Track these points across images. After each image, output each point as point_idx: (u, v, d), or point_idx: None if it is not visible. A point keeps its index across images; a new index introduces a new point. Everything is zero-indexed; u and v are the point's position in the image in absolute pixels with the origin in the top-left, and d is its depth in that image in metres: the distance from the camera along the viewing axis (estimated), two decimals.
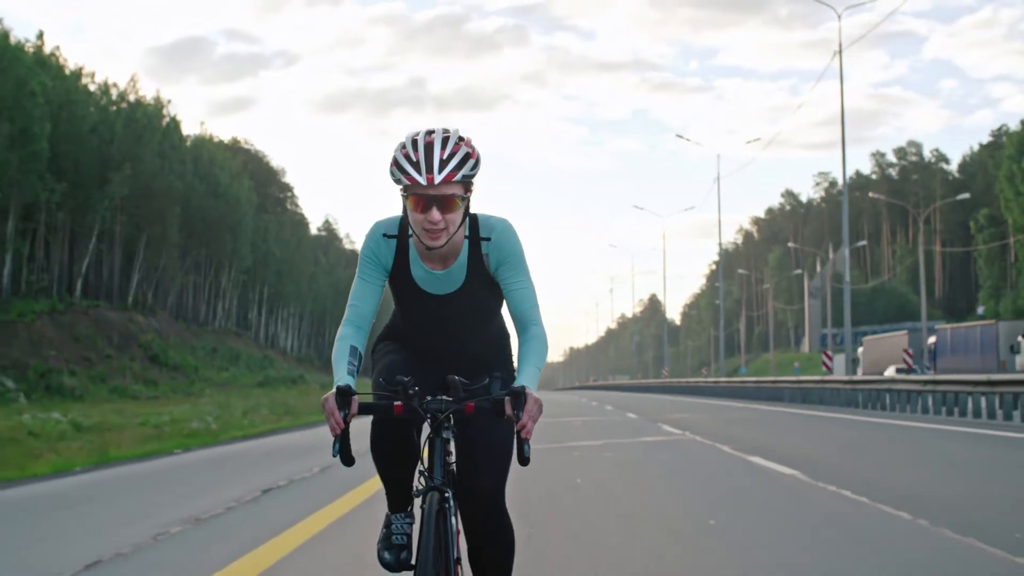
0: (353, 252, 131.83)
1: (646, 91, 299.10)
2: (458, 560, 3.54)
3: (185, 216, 70.14)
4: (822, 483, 9.51)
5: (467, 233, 3.56)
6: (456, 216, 3.41)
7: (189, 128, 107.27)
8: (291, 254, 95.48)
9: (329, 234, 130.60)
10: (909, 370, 35.11)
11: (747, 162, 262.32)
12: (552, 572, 5.60)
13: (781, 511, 8.02)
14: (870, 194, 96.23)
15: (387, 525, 3.83)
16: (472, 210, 3.56)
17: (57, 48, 61.77)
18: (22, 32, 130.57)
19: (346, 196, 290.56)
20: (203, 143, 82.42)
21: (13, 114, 49.06)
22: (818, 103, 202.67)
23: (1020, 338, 41.04)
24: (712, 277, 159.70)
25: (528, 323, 3.51)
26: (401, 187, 3.41)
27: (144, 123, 66.94)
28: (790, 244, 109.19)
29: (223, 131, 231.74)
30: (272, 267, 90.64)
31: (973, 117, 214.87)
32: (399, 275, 3.63)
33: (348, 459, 3.36)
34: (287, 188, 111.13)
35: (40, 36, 60.53)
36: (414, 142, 3.37)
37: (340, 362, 3.43)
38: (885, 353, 53.42)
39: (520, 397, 3.23)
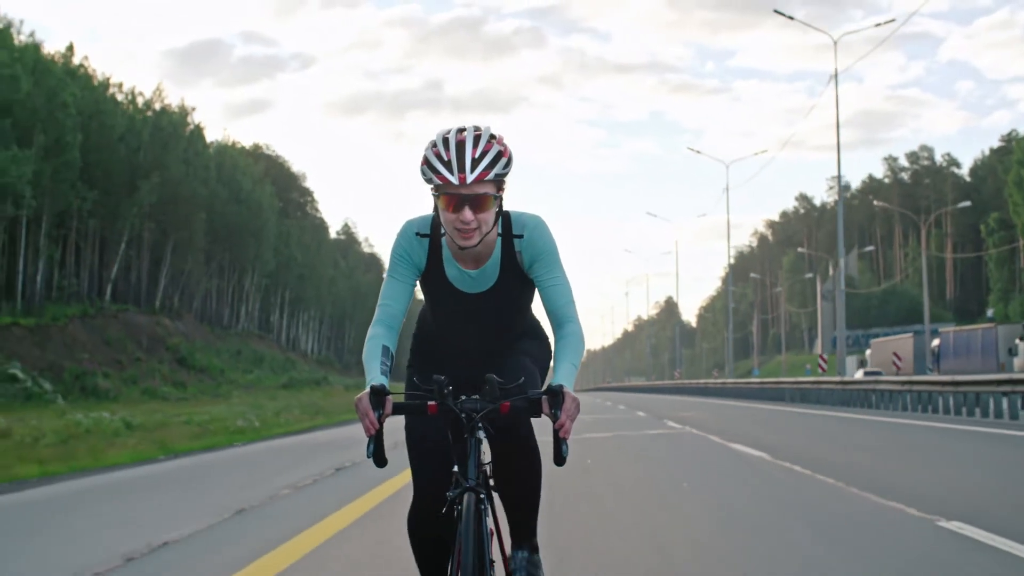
0: (372, 256, 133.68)
1: (663, 93, 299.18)
2: (492, 562, 3.51)
3: (209, 221, 72.08)
4: (779, 460, 11.88)
5: (500, 231, 3.56)
6: (489, 215, 3.40)
7: (210, 133, 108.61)
8: (312, 258, 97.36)
9: (348, 238, 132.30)
10: (898, 372, 36.72)
11: (764, 164, 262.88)
12: (565, 526, 7.21)
13: (740, 479, 10.46)
14: (875, 202, 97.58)
15: None
16: (504, 207, 3.57)
17: (85, 58, 63.76)
18: (39, 35, 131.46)
19: (362, 198, 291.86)
20: (226, 149, 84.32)
21: (47, 125, 50.99)
22: (833, 106, 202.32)
23: (1018, 341, 42.52)
24: (728, 280, 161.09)
25: (564, 320, 3.50)
26: (432, 186, 3.40)
27: (170, 131, 68.92)
28: (800, 249, 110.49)
29: (240, 133, 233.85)
30: (294, 271, 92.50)
31: (990, 119, 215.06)
32: (432, 275, 3.62)
33: (381, 460, 3.33)
34: (307, 192, 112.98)
35: (70, 48, 62.62)
36: (445, 140, 3.36)
37: (372, 362, 3.40)
38: (891, 355, 54.80)
39: (558, 396, 3.21)
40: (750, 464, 11.90)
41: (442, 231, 3.52)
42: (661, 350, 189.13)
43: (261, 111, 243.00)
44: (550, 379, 3.42)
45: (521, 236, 3.54)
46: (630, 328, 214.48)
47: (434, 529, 3.56)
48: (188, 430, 21.04)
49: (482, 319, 3.67)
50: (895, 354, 37.87)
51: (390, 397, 3.29)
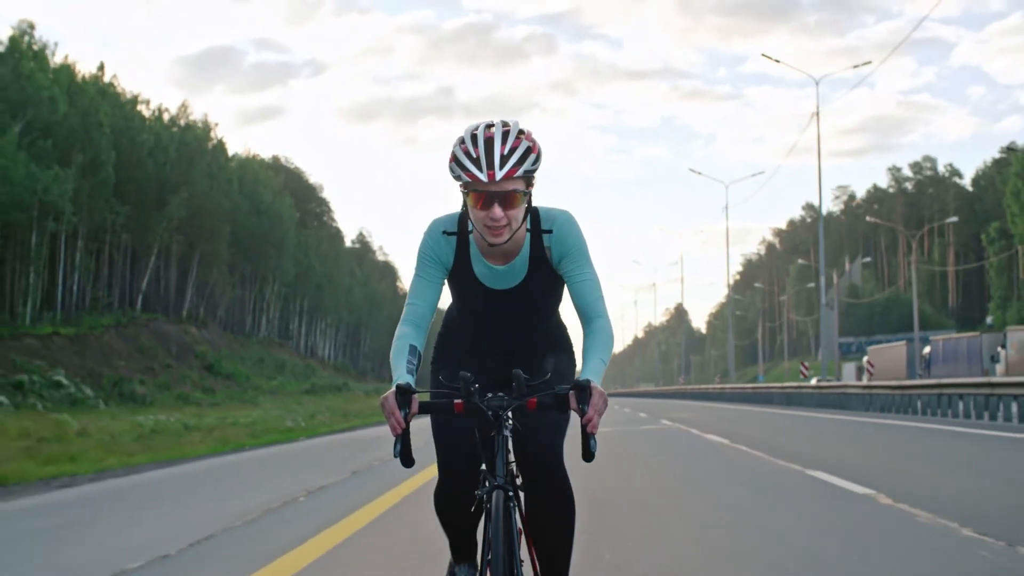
0: (386, 264, 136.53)
1: (675, 99, 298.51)
2: (522, 561, 3.49)
3: (232, 233, 75.01)
4: (737, 445, 15.34)
5: (528, 227, 3.53)
6: (518, 212, 3.39)
7: (226, 141, 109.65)
8: (329, 267, 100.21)
9: (363, 246, 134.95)
10: (871, 378, 39.51)
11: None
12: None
13: (699, 454, 14.27)
14: (867, 218, 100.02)
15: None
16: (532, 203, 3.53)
17: (115, 76, 66.80)
18: (52, 42, 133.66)
19: (374, 203, 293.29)
20: (247, 163, 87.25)
21: (84, 145, 53.97)
22: (845, 111, 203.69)
23: (999, 348, 45.17)
24: (736, 287, 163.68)
25: (593, 316, 3.48)
26: (461, 184, 3.38)
27: (194, 146, 71.96)
28: (799, 262, 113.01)
29: (252, 140, 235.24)
30: (312, 280, 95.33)
31: (1001, 124, 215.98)
32: (460, 273, 3.60)
33: (408, 460, 3.31)
34: (324, 203, 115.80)
35: (101, 67, 65.62)
36: (473, 137, 3.34)
37: (399, 360, 3.38)
38: (887, 361, 57.35)
39: (585, 391, 3.20)
40: (711, 446, 15.95)
41: (469, 228, 3.53)
42: (672, 356, 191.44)
43: (273, 118, 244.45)
44: (578, 374, 3.43)
45: (550, 231, 3.54)
46: (640, 335, 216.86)
47: (462, 520, 3.67)
48: (241, 430, 23.85)
49: (510, 315, 3.67)
50: (868, 362, 40.65)
51: (416, 396, 3.29)
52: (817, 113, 37.53)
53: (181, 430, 23.35)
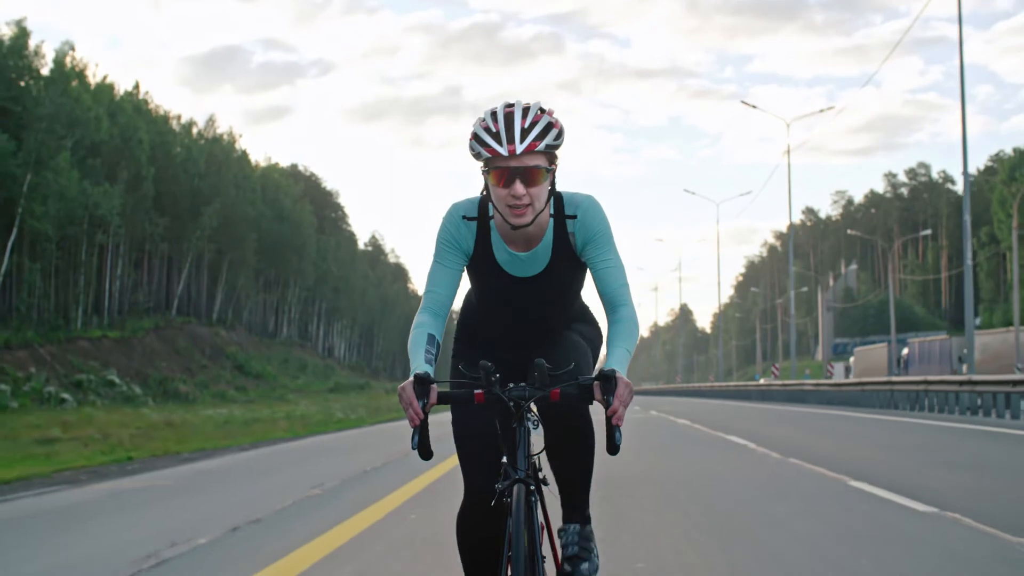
0: (398, 266, 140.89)
1: (682, 98, 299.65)
2: (544, 558, 3.41)
3: (257, 240, 79.47)
4: (694, 424, 20.27)
5: (552, 212, 3.44)
6: (541, 190, 3.29)
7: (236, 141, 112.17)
8: (345, 271, 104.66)
9: (375, 249, 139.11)
10: (831, 377, 44.27)
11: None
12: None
13: (664, 431, 18.70)
14: (848, 231, 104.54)
15: None
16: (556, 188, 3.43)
17: (148, 93, 71.39)
18: (60, 41, 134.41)
19: (382, 202, 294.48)
20: (269, 171, 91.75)
21: (128, 162, 58.57)
22: (854, 109, 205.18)
23: (964, 351, 49.54)
24: (739, 287, 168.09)
25: (618, 304, 3.40)
26: (482, 162, 3.32)
27: (222, 158, 76.43)
28: (792, 268, 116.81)
29: (259, 140, 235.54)
30: (330, 284, 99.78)
31: (1008, 123, 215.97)
32: (481, 259, 3.51)
33: (427, 452, 3.23)
34: (339, 208, 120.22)
35: (136, 86, 70.18)
36: (493, 114, 3.29)
37: (417, 350, 3.29)
38: (871, 362, 61.72)
39: (611, 381, 3.13)
40: (676, 426, 21.60)
41: (490, 213, 3.44)
42: (676, 356, 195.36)
43: (280, 117, 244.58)
44: (602, 364, 3.31)
45: (574, 216, 3.44)
46: (646, 334, 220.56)
47: (486, 529, 3.50)
48: (301, 422, 28.21)
49: (533, 303, 3.57)
50: (830, 364, 45.48)
51: (435, 386, 3.19)
52: (788, 151, 41.93)
53: (251, 421, 27.69)
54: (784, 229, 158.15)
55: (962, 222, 24.60)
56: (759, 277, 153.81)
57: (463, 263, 3.52)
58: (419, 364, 3.24)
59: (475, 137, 3.29)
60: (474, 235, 3.49)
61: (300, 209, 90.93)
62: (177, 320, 67.09)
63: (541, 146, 3.25)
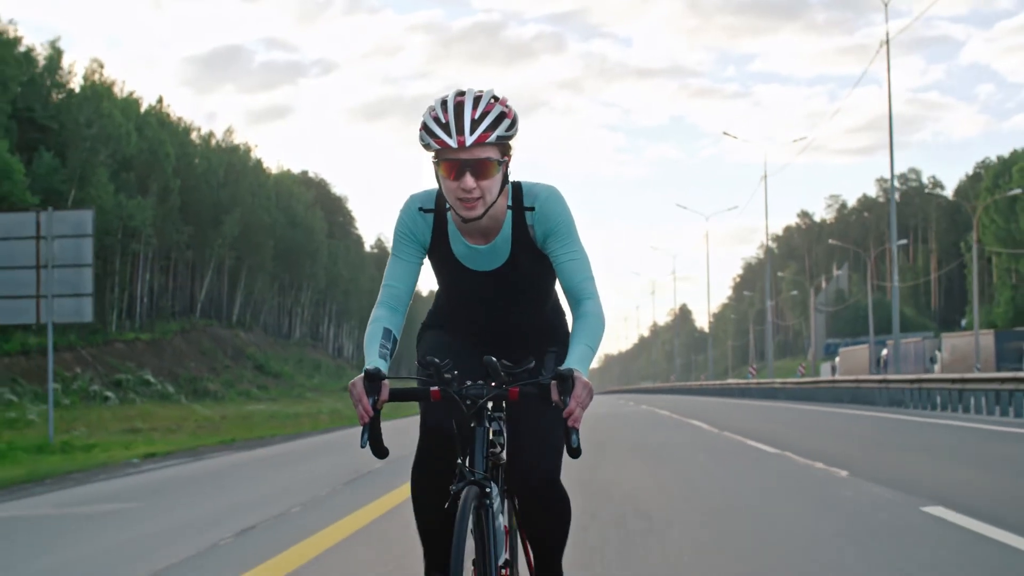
0: None
1: (684, 98, 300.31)
2: (507, 564, 3.35)
3: (272, 246, 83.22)
4: (674, 415, 24.02)
5: (510, 203, 3.34)
6: (492, 183, 3.19)
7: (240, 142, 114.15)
8: (355, 273, 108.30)
9: (381, 251, 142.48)
10: (802, 376, 48.54)
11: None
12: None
13: (649, 421, 22.43)
14: (830, 240, 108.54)
15: None
16: (515, 179, 3.36)
17: (169, 106, 75.25)
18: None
19: (383, 202, 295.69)
20: (282, 178, 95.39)
21: (157, 175, 62.43)
22: (856, 108, 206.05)
23: (936, 351, 53.55)
24: (737, 288, 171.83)
25: (581, 298, 3.28)
26: (432, 153, 3.20)
27: (239, 168, 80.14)
28: (781, 274, 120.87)
29: (261, 139, 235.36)
30: (340, 287, 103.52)
31: (1010, 122, 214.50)
32: (438, 252, 3.44)
33: (380, 450, 3.13)
34: (347, 213, 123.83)
35: (160, 100, 74.06)
36: (443, 103, 3.18)
37: (372, 344, 3.21)
38: (855, 362, 65.55)
39: (567, 381, 2.97)
40: (659, 416, 26.04)
41: (447, 204, 3.33)
42: (675, 355, 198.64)
43: (282, 117, 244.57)
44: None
45: (532, 208, 3.33)
46: (646, 334, 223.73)
47: (434, 520, 3.38)
48: (326, 417, 31.92)
49: (494, 298, 3.48)
50: (802, 365, 49.72)
51: (386, 382, 3.10)
52: (765, 177, 45.71)
53: (293, 416, 31.51)
54: (780, 231, 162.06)
55: (889, 237, 28.26)
56: (756, 280, 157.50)
57: (421, 256, 3.45)
58: (372, 359, 3.16)
59: (424, 128, 3.19)
60: (431, 227, 3.41)
61: (312, 215, 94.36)
62: (200, 323, 71.02)
63: (492, 137, 3.14)
